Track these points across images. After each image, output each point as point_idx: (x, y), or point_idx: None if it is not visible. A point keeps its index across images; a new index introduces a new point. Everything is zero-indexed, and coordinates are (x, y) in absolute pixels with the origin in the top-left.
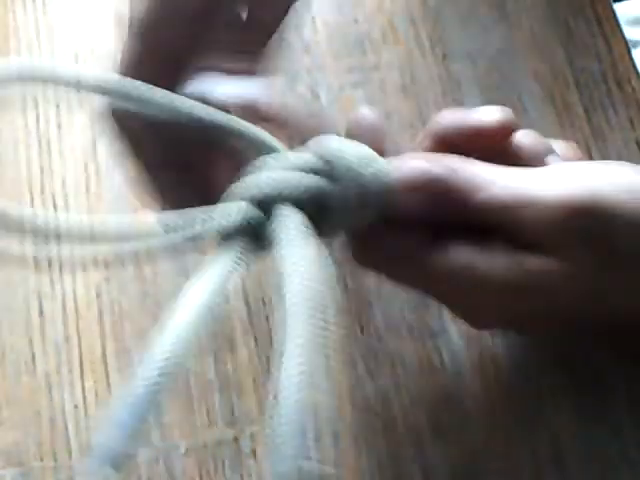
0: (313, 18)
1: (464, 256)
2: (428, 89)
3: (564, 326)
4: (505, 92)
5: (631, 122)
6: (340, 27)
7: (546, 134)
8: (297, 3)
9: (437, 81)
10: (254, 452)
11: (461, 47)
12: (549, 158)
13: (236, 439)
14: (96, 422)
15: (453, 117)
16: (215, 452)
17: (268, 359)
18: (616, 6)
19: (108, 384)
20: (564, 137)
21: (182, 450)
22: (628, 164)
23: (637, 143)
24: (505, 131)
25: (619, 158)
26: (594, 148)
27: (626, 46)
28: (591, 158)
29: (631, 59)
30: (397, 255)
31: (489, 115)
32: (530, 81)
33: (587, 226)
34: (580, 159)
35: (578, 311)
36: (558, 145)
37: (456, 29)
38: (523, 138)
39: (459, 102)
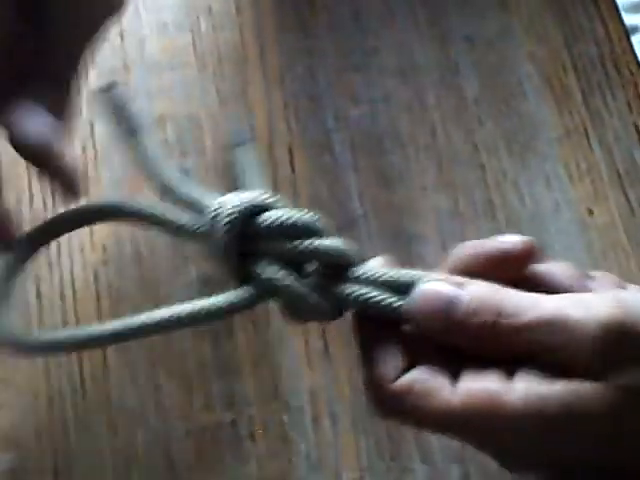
0: (312, 1)
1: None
2: (426, 72)
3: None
4: (503, 76)
5: (629, 106)
6: (339, 10)
7: (544, 118)
8: None
9: (435, 64)
10: (252, 435)
11: (459, 30)
12: (587, 283)
13: (234, 422)
14: (94, 404)
15: (471, 245)
16: (213, 435)
17: (266, 343)
18: None
19: (106, 367)
20: (562, 121)
21: (180, 433)
22: None
23: (635, 126)
24: (526, 253)
25: (617, 141)
26: (592, 132)
27: (624, 30)
28: (589, 142)
29: (629, 43)
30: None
31: (508, 239)
32: (528, 65)
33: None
34: (619, 286)
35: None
36: (594, 274)
37: (454, 12)
38: (554, 267)
39: (457, 86)
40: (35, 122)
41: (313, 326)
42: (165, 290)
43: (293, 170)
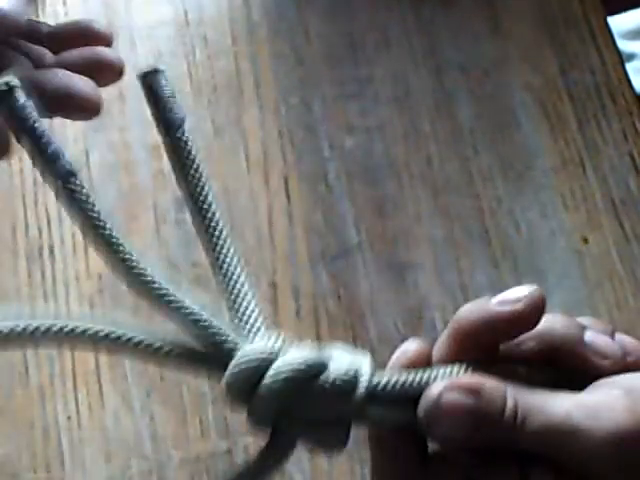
0: (307, 30)
1: None
2: (421, 101)
3: None
4: (498, 104)
5: (624, 135)
6: (334, 39)
7: (540, 147)
8: None
9: (430, 93)
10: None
11: (454, 59)
12: (587, 334)
13: (229, 451)
14: (89, 433)
15: (476, 309)
16: (208, 464)
17: None
18: (610, 19)
19: (101, 395)
20: (557, 150)
21: (175, 462)
22: None
23: (630, 155)
24: (534, 312)
25: (612, 170)
26: (587, 160)
27: (619, 58)
28: (584, 170)
29: (624, 71)
30: None
31: (515, 295)
32: (523, 93)
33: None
34: (612, 331)
35: None
36: (587, 321)
37: (449, 41)
38: (556, 323)
39: (452, 114)
40: None
41: None
42: (160, 318)
43: (288, 199)
